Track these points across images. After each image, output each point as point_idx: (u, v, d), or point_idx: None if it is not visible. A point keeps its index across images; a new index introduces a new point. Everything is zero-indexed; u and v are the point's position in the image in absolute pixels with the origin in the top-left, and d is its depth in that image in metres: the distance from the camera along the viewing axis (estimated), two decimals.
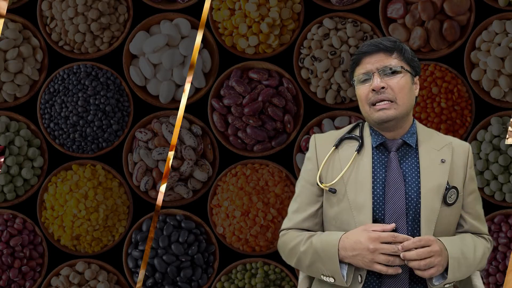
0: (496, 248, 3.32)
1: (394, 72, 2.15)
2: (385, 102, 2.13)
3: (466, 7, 3.36)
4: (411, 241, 2.05)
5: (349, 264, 2.11)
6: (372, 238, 2.06)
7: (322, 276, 2.15)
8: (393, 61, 2.16)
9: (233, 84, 3.42)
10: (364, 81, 2.16)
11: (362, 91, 2.17)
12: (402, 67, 2.16)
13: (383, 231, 2.07)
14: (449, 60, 3.42)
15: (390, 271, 2.06)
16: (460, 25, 3.39)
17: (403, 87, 2.14)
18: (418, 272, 2.06)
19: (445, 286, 2.14)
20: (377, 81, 2.14)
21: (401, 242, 2.05)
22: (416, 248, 2.05)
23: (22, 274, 3.42)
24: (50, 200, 3.44)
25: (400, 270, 2.07)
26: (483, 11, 3.39)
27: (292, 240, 2.22)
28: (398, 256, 2.06)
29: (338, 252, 2.10)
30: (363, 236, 2.07)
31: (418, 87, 2.22)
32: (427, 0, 3.34)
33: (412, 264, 2.05)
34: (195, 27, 3.48)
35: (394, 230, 2.09)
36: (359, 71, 2.18)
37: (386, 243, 2.06)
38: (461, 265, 2.11)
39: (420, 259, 2.04)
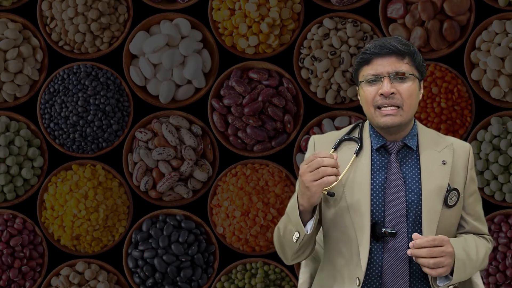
0: (496, 248, 3.32)
1: (405, 78, 2.12)
2: (392, 108, 2.11)
3: (466, 7, 3.36)
4: (425, 239, 2.03)
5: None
6: (301, 165, 2.06)
7: (293, 237, 2.12)
8: (405, 66, 2.12)
9: (233, 84, 3.42)
10: (373, 82, 2.12)
11: (369, 92, 2.13)
12: (413, 74, 2.13)
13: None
14: (449, 60, 3.42)
15: (331, 179, 2.01)
16: (460, 25, 3.39)
17: (411, 94, 2.12)
18: (426, 270, 2.05)
19: (449, 287, 2.13)
20: (387, 86, 2.09)
21: (323, 157, 2.02)
22: (428, 247, 2.04)
23: (22, 274, 3.42)
24: (50, 200, 3.44)
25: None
26: (483, 11, 3.39)
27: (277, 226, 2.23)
28: (324, 167, 2.01)
29: (298, 202, 2.09)
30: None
31: (422, 91, 2.20)
32: (427, 0, 3.34)
33: (421, 261, 2.04)
34: (195, 27, 3.48)
35: (395, 233, 2.09)
36: (368, 71, 2.13)
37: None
38: (466, 267, 2.11)
39: (430, 257, 2.03)
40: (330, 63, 3.39)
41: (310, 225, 2.10)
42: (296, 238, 2.10)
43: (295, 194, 2.24)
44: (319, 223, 2.21)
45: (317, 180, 2.02)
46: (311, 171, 2.02)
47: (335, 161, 2.03)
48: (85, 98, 3.41)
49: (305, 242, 2.11)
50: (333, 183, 2.03)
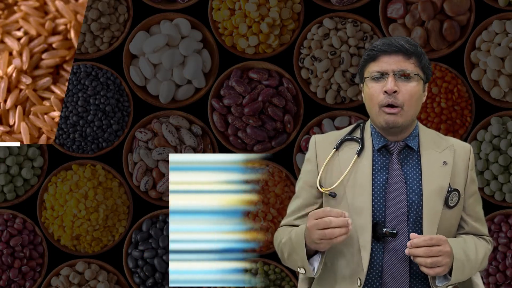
0: (496, 248, 3.32)
1: (409, 78, 2.13)
2: (395, 108, 2.12)
3: (466, 7, 3.36)
4: (422, 238, 2.04)
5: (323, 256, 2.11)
6: (309, 217, 2.04)
7: (297, 268, 2.13)
8: (410, 66, 2.13)
9: (233, 84, 3.42)
10: (377, 79, 2.13)
11: (374, 89, 2.14)
12: (417, 74, 2.13)
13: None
14: (449, 60, 3.42)
15: (340, 239, 2.01)
16: (460, 25, 3.39)
17: (414, 94, 2.12)
18: (423, 269, 2.05)
19: (448, 287, 2.14)
20: (391, 84, 2.10)
21: (334, 216, 2.00)
22: (426, 246, 2.04)
23: (22, 274, 3.42)
24: (50, 200, 3.44)
25: (347, 229, 2.01)
26: (483, 11, 3.39)
27: (280, 235, 2.23)
28: (333, 228, 2.00)
29: (305, 240, 2.08)
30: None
31: (426, 93, 2.21)
32: (427, 0, 3.34)
33: (419, 261, 2.04)
34: (195, 27, 3.48)
35: (396, 233, 2.09)
36: (373, 68, 2.14)
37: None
38: (465, 267, 2.11)
39: (427, 257, 2.04)
40: (330, 63, 3.39)
41: (317, 264, 2.10)
42: (303, 273, 2.12)
43: (296, 197, 2.25)
44: None
45: (325, 239, 2.01)
46: (319, 229, 2.01)
47: (344, 220, 2.00)
48: (85, 98, 3.41)
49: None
50: (342, 242, 2.02)
